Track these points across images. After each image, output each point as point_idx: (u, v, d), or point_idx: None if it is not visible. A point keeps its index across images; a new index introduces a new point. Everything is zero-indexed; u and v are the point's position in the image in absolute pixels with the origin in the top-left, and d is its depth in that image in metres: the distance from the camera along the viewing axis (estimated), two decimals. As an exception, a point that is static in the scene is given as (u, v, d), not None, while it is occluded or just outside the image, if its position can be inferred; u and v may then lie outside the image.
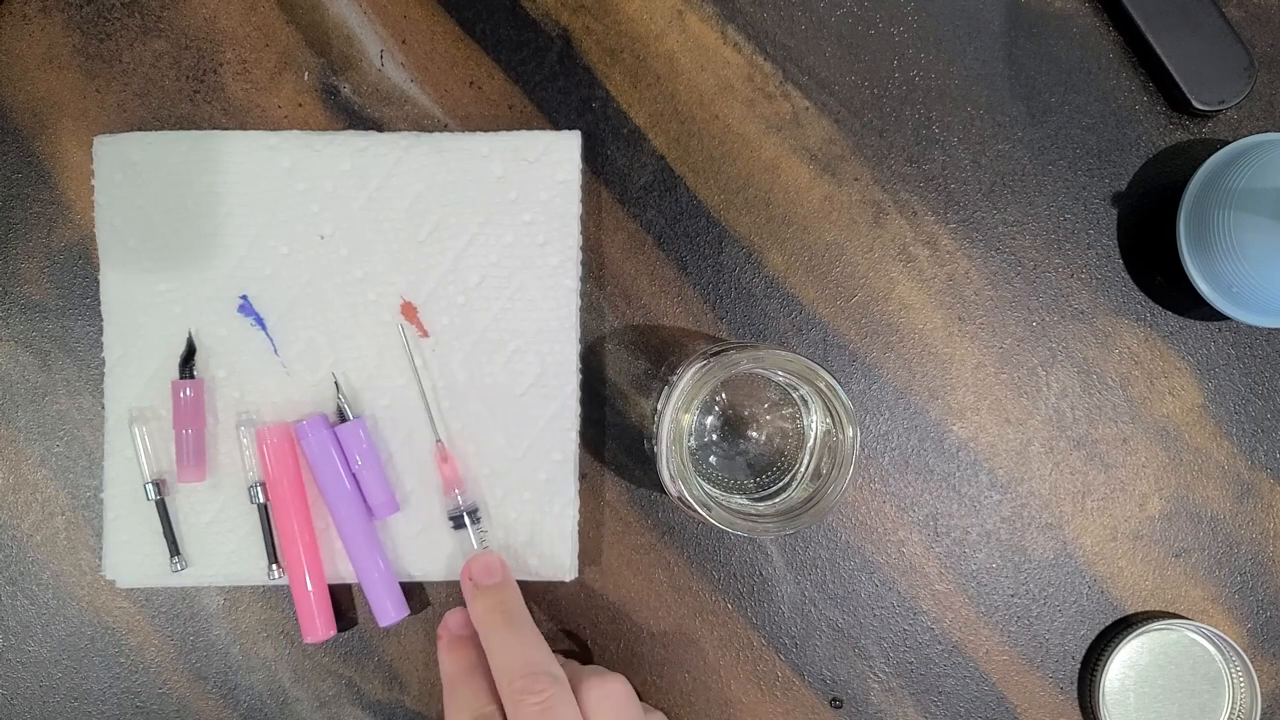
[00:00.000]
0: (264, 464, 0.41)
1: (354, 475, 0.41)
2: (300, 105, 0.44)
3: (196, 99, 0.44)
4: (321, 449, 0.41)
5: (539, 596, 0.43)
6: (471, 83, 0.44)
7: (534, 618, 0.43)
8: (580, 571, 0.43)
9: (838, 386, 0.37)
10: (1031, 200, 0.44)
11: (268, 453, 0.41)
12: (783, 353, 0.37)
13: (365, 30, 0.44)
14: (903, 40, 0.44)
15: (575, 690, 0.35)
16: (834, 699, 0.43)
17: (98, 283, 0.43)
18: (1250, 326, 0.43)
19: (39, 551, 0.43)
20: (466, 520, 0.41)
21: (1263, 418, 0.44)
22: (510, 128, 0.43)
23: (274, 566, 0.42)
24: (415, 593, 0.43)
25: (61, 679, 0.43)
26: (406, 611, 0.42)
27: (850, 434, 0.36)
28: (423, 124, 0.44)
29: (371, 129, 0.43)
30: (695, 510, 0.37)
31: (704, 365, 0.37)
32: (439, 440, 0.42)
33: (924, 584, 0.44)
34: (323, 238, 0.42)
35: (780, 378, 0.40)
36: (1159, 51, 0.43)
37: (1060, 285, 0.44)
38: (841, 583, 0.44)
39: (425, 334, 0.42)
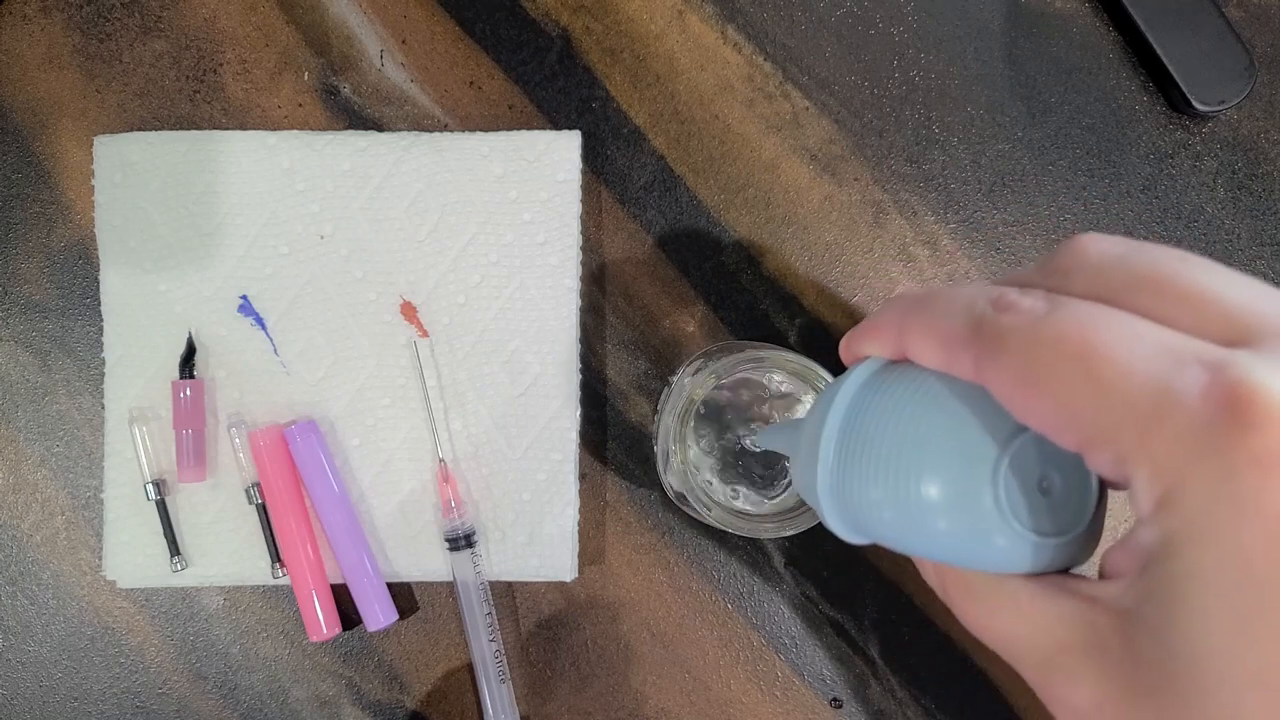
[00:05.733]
0: (258, 466, 0.41)
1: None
2: (300, 105, 0.44)
3: (196, 99, 0.44)
4: (309, 453, 0.41)
5: (539, 596, 0.43)
6: (471, 83, 0.44)
7: (534, 618, 0.43)
8: (580, 571, 0.43)
9: (838, 386, 0.37)
10: (1031, 200, 0.44)
11: (262, 455, 0.41)
12: (783, 352, 0.37)
13: (365, 30, 0.44)
14: (903, 40, 0.44)
15: None
16: (834, 699, 0.43)
17: (98, 283, 0.43)
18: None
19: (39, 551, 0.43)
20: (464, 543, 0.42)
21: (1263, 418, 0.44)
22: (510, 128, 0.43)
23: (276, 566, 0.42)
24: (409, 594, 0.43)
25: (61, 679, 0.43)
26: (395, 617, 0.42)
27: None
28: (423, 124, 0.44)
29: (371, 129, 0.43)
30: (695, 510, 0.37)
31: (704, 365, 0.37)
32: (442, 460, 0.42)
33: (924, 583, 0.44)
34: (323, 238, 0.42)
35: (780, 378, 0.40)
36: (1159, 51, 0.43)
37: (1060, 285, 0.44)
38: (841, 583, 0.43)
39: (425, 334, 0.42)
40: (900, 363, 0.24)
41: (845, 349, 0.26)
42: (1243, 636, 0.17)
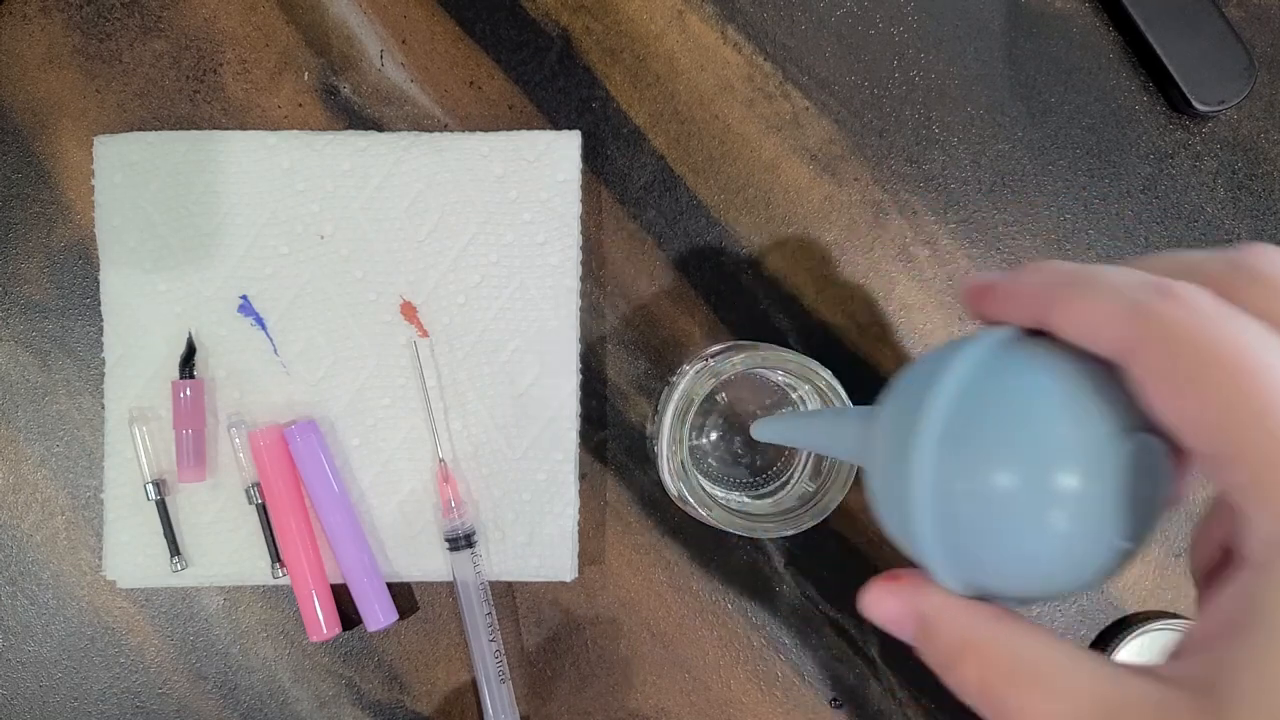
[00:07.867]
0: (258, 466, 0.41)
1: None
2: (300, 105, 0.44)
3: (196, 99, 0.44)
4: (309, 453, 0.41)
5: (539, 596, 0.43)
6: (471, 83, 0.44)
7: (534, 618, 0.43)
8: (580, 571, 0.43)
9: (838, 386, 0.37)
10: (1031, 200, 0.44)
11: (262, 455, 0.41)
12: (783, 352, 0.37)
13: (365, 30, 0.44)
14: (903, 40, 0.44)
15: None
16: (834, 699, 0.43)
17: (98, 283, 0.43)
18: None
19: (39, 551, 0.43)
20: (464, 543, 0.42)
21: (1263, 418, 0.44)
22: (510, 128, 0.43)
23: (276, 566, 0.42)
24: (409, 594, 0.43)
25: (61, 679, 0.43)
26: (395, 617, 0.42)
27: (850, 434, 0.36)
28: (423, 124, 0.44)
29: (371, 129, 0.43)
30: (695, 510, 0.37)
31: (704, 365, 0.37)
32: (442, 460, 0.42)
33: (924, 584, 0.44)
34: (323, 238, 0.42)
35: (780, 378, 0.40)
36: (1159, 51, 0.43)
37: (1060, 285, 0.44)
38: (841, 583, 0.43)
39: (425, 334, 0.42)
40: (1022, 340, 0.22)
41: (974, 304, 0.24)
42: None
